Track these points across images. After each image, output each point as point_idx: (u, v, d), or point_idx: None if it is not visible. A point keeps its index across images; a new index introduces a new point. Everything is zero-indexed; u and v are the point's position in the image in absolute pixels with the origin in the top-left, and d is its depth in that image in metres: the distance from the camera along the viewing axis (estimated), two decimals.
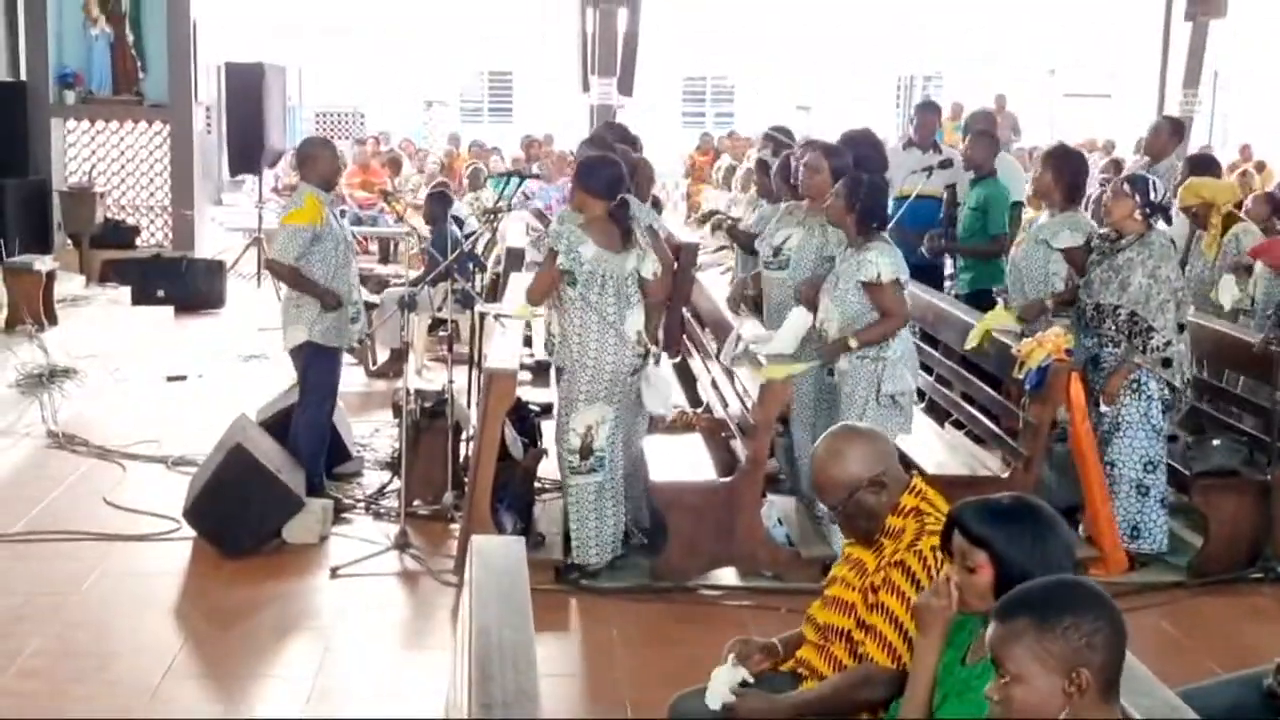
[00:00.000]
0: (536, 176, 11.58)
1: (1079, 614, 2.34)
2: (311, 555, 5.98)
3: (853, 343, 5.55)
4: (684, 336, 8.18)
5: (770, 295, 6.56)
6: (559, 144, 17.20)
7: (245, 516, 5.92)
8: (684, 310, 8.16)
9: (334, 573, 5.76)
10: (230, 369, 9.65)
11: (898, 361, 5.53)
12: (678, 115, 26.60)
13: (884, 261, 5.52)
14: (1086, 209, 7.36)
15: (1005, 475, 5.83)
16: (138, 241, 12.43)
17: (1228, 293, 7.16)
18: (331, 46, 19.43)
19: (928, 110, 9.56)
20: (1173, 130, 9.06)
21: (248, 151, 12.78)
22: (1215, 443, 6.09)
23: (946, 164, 8.58)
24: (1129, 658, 2.83)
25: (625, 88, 13.51)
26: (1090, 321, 5.97)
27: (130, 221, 12.61)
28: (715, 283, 8.02)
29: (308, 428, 6.53)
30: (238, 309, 11.92)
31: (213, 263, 12.44)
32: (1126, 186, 5.92)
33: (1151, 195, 5.87)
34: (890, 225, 7.65)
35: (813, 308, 5.90)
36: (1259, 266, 7.18)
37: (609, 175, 5.65)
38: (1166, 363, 5.73)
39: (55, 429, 7.78)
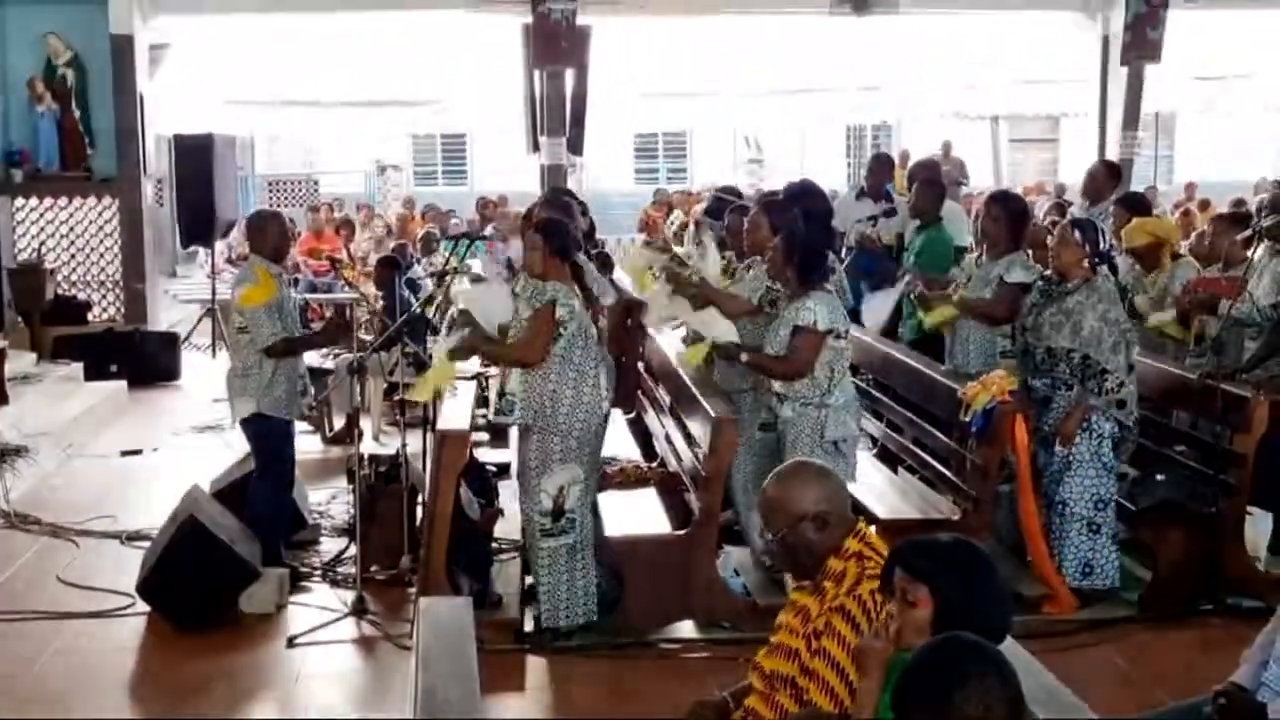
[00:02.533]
0: (487, 238, 11.64)
1: (965, 685, 2.38)
2: (269, 625, 5.94)
3: (743, 356, 5.76)
4: (638, 391, 8.24)
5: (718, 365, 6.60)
6: (514, 205, 17.28)
7: (200, 589, 5.88)
8: (638, 365, 8.24)
9: (291, 642, 5.73)
10: (186, 441, 9.60)
11: (841, 408, 5.59)
12: (630, 172, 26.79)
13: (821, 310, 5.58)
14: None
15: (956, 518, 5.89)
16: (89, 317, 12.38)
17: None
18: (282, 114, 19.57)
19: (881, 162, 9.73)
20: (1109, 173, 9.21)
21: (199, 223, 12.79)
22: (1160, 478, 6.17)
23: (891, 213, 8.71)
24: (1069, 696, 2.90)
25: (575, 147, 13.62)
26: (1041, 365, 6.05)
27: (81, 297, 12.57)
28: (668, 337, 8.05)
29: (266, 499, 6.50)
30: (193, 381, 11.85)
31: (166, 335, 12.40)
32: (1077, 235, 6.00)
33: (1100, 244, 5.98)
34: (844, 269, 7.78)
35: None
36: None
37: (566, 236, 5.70)
38: (1121, 404, 5.83)
39: (7, 508, 7.70)
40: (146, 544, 6.62)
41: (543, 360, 5.52)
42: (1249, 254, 6.79)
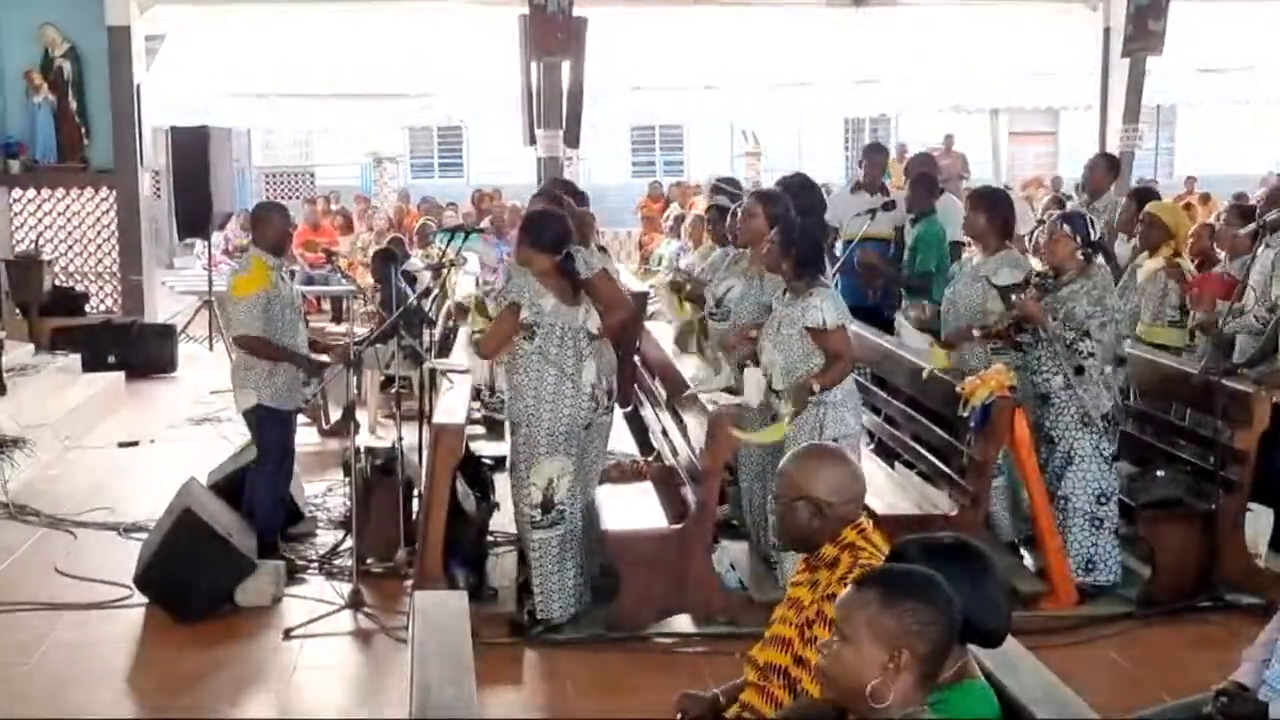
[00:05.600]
0: (483, 230, 11.61)
1: (922, 602, 2.46)
2: (265, 617, 5.93)
3: (815, 387, 5.50)
4: (634, 385, 8.21)
5: (713, 342, 6.61)
6: (510, 198, 17.25)
7: (196, 581, 5.87)
8: (634, 360, 8.21)
9: (287, 634, 5.72)
10: (182, 433, 9.59)
11: (839, 404, 5.56)
12: (627, 165, 26.75)
13: (828, 306, 5.55)
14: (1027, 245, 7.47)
15: (954, 513, 5.87)
16: (87, 308, 12.37)
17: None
18: (279, 106, 19.51)
19: (875, 153, 9.68)
20: (1108, 166, 9.20)
21: (196, 215, 12.74)
22: (1160, 474, 6.16)
23: (889, 206, 8.66)
24: (1068, 694, 2.88)
25: (571, 139, 13.59)
26: (1039, 359, 6.01)
27: (79, 288, 12.55)
28: (665, 331, 8.04)
29: (265, 490, 6.50)
30: (190, 372, 11.86)
31: (164, 327, 12.39)
32: (1066, 227, 5.96)
33: (1090, 234, 5.95)
34: (839, 266, 7.76)
35: (744, 356, 5.94)
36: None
37: (555, 230, 5.65)
38: (1079, 370, 5.77)
39: (5, 499, 7.68)
40: (144, 536, 6.61)
41: (493, 355, 5.71)
42: (1253, 248, 6.75)
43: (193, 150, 12.58)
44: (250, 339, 6.32)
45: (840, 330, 5.58)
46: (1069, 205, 10.35)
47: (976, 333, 6.23)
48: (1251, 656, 3.59)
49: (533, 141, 13.37)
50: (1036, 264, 6.88)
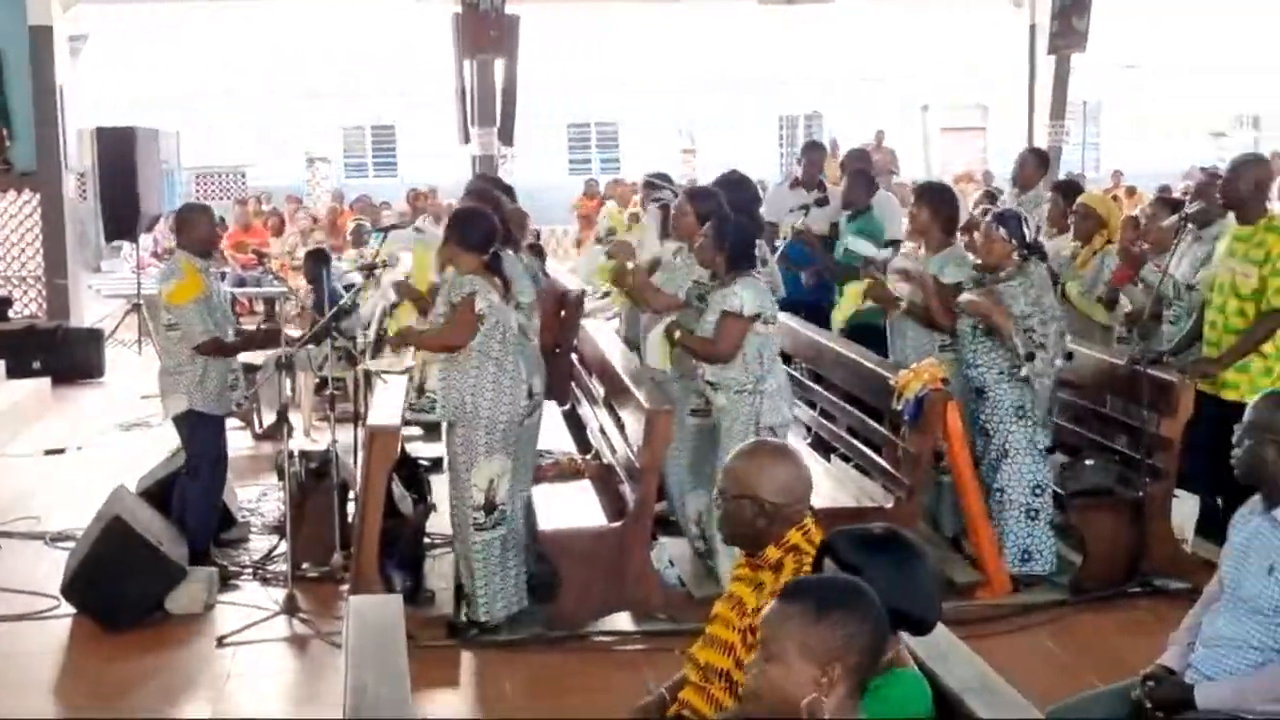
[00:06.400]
0: (419, 229, 11.51)
1: (850, 613, 2.42)
2: (197, 625, 5.85)
3: (676, 334, 5.75)
4: (572, 383, 8.20)
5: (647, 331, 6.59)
6: (445, 197, 17.19)
7: (126, 589, 5.78)
8: (571, 357, 8.20)
9: (221, 641, 5.64)
10: (111, 439, 9.44)
11: (774, 394, 5.59)
12: (564, 162, 26.73)
13: (748, 295, 5.55)
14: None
15: (889, 505, 5.92)
16: (10, 313, 12.16)
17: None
18: (209, 106, 19.21)
19: (813, 150, 9.73)
20: (1038, 162, 9.31)
21: (123, 217, 12.54)
22: (1089, 463, 6.24)
23: (823, 202, 8.73)
24: (996, 679, 2.91)
25: (506, 137, 13.56)
26: (974, 353, 6.05)
27: (1, 293, 12.33)
28: (602, 329, 8.02)
29: (199, 496, 6.40)
30: (118, 377, 11.68)
31: (90, 331, 12.20)
32: (1002, 231, 5.95)
33: (1026, 234, 5.96)
34: (778, 255, 7.79)
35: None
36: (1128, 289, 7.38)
37: (482, 228, 5.61)
38: (1030, 356, 5.80)
39: None
40: (71, 545, 6.49)
41: (466, 344, 5.46)
42: (1174, 240, 6.85)
43: (119, 151, 12.38)
44: (208, 344, 6.24)
45: (743, 322, 5.53)
46: (1000, 199, 10.45)
47: (903, 304, 6.32)
48: (1177, 640, 3.64)
49: (467, 140, 13.32)
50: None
